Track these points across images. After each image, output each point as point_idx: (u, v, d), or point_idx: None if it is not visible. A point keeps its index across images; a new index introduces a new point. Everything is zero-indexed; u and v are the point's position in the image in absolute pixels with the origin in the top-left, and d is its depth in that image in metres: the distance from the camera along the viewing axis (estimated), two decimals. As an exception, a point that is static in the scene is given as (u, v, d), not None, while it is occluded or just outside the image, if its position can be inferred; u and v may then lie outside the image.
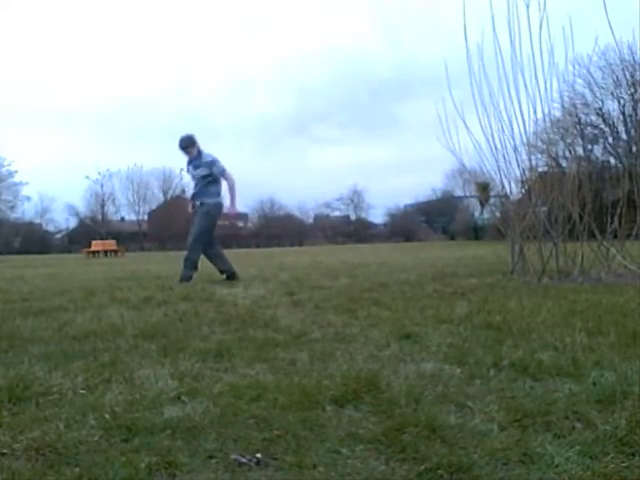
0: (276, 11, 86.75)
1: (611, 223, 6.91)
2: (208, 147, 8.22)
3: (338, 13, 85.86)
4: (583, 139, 10.87)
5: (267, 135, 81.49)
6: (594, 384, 2.24)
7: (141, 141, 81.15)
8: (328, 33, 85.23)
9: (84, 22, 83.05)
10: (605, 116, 25.38)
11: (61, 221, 63.89)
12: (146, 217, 64.07)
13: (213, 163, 7.98)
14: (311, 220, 68.26)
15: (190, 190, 8.73)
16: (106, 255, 33.05)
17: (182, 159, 8.32)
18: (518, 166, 7.65)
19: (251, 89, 75.68)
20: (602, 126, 25.30)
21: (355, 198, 67.33)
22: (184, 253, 7.92)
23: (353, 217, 68.19)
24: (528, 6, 7.04)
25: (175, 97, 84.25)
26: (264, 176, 62.91)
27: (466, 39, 7.42)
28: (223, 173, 8.03)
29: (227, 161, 8.12)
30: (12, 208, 60.49)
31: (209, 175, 7.95)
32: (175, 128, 76.19)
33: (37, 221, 62.23)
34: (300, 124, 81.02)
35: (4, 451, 1.74)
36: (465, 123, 7.63)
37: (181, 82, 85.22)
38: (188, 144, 8.02)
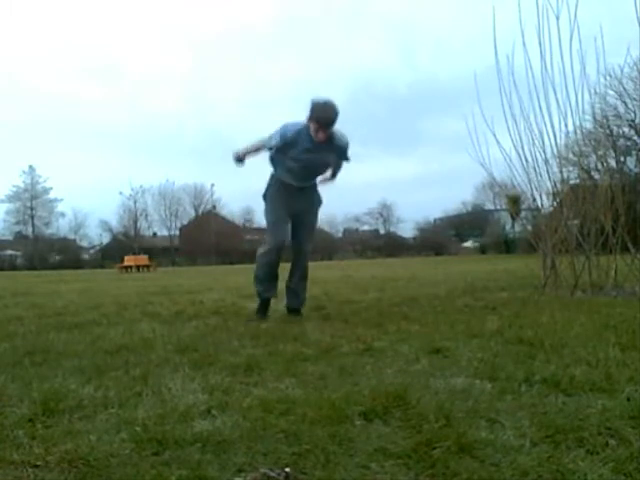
0: (288, 32, 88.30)
1: (645, 236, 6.80)
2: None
3: (353, 33, 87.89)
4: (615, 151, 10.70)
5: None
6: (628, 399, 2.20)
7: (172, 158, 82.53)
8: (344, 53, 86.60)
9: (112, 50, 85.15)
10: (638, 127, 24.99)
11: (95, 237, 65.07)
12: (177, 232, 64.79)
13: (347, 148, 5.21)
14: (340, 234, 68.26)
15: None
16: (139, 270, 33.44)
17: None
18: (549, 179, 7.57)
19: (269, 107, 77.19)
20: (635, 138, 24.91)
21: (384, 212, 67.32)
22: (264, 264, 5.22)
23: (382, 231, 68.06)
24: (558, 18, 7.00)
25: (199, 116, 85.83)
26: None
27: (496, 53, 7.41)
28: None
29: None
30: (47, 224, 61.96)
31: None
32: (200, 145, 77.86)
33: (71, 237, 63.37)
34: None
35: (38, 463, 1.77)
36: (495, 136, 7.59)
37: (204, 100, 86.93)
38: (332, 124, 4.86)
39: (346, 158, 5.27)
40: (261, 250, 5.23)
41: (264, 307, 5.32)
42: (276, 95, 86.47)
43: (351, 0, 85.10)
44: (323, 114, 4.82)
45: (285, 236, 5.22)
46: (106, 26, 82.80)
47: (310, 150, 4.94)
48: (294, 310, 5.40)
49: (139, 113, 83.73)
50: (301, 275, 5.45)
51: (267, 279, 5.26)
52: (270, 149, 5.10)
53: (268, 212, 5.28)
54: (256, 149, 5.25)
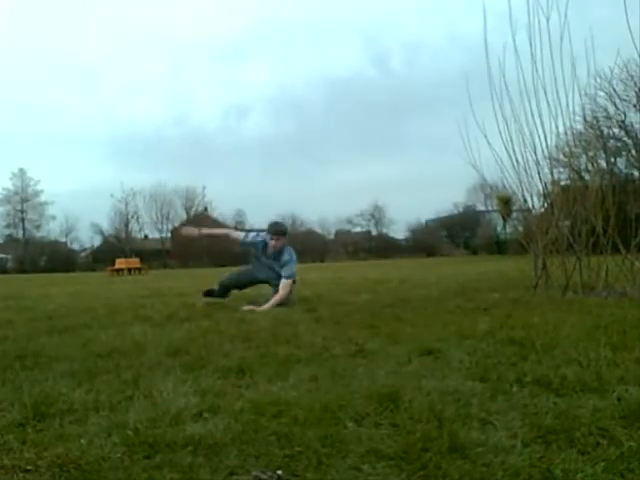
0: (264, 39, 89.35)
1: (635, 236, 6.82)
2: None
3: (327, 41, 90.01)
4: (606, 152, 10.76)
5: (268, 158, 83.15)
6: (619, 400, 2.21)
7: (160, 162, 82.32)
8: (319, 60, 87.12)
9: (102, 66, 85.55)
10: (628, 128, 25.16)
11: (86, 240, 64.64)
12: (169, 235, 64.55)
13: (289, 263, 6.91)
14: (332, 236, 68.18)
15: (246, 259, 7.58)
16: (130, 273, 33.29)
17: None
18: (540, 180, 7.60)
19: (249, 110, 79.25)
20: (625, 138, 25.08)
21: (376, 213, 67.21)
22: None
23: (374, 233, 68.01)
24: (548, 20, 7.04)
25: (180, 120, 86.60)
26: (274, 194, 63.45)
27: (487, 55, 7.44)
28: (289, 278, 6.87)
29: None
30: (38, 227, 61.59)
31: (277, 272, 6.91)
32: (185, 149, 78.90)
33: (62, 240, 63.03)
34: (302, 146, 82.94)
35: (28, 467, 1.76)
36: (486, 138, 7.61)
37: (184, 108, 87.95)
38: (285, 232, 7.13)
39: (284, 271, 6.78)
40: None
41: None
42: (255, 99, 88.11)
43: (324, 10, 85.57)
44: (276, 227, 7.00)
45: (234, 283, 7.45)
46: (83, 35, 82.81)
47: (261, 257, 7.00)
48: None
49: (122, 119, 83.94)
50: None
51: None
52: (243, 243, 7.23)
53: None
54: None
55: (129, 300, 8.43)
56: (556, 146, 7.80)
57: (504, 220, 42.33)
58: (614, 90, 23.34)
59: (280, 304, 6.38)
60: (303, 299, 7.32)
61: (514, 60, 7.26)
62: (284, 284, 6.73)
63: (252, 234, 7.22)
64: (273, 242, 6.79)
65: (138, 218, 63.57)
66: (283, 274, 6.78)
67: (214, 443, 1.91)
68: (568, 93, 7.05)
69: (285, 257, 6.87)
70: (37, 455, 1.84)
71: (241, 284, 7.45)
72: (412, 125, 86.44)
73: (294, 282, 6.99)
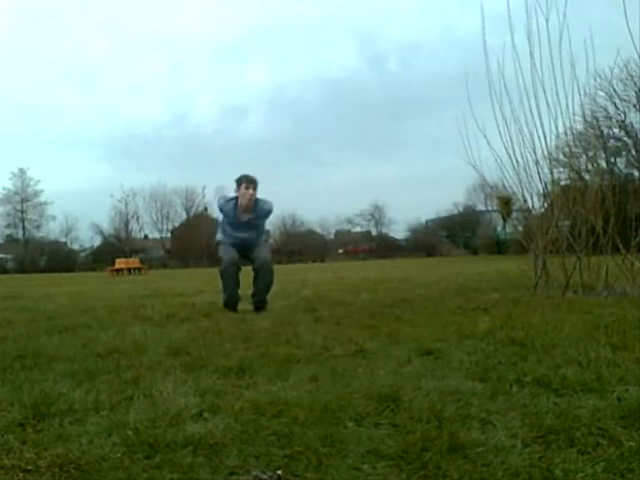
0: (261, 40, 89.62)
1: (635, 236, 6.82)
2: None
3: (323, 42, 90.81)
4: (606, 152, 10.76)
5: (266, 158, 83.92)
6: (619, 400, 2.21)
7: (159, 161, 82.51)
8: (315, 61, 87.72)
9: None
10: (628, 128, 25.17)
11: (86, 240, 64.63)
12: (169, 235, 64.57)
13: (270, 213, 6.68)
14: (332, 236, 68.23)
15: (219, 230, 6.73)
16: (130, 273, 33.28)
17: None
18: (540, 180, 7.60)
19: (249, 114, 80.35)
20: (625, 138, 25.10)
21: (376, 213, 67.20)
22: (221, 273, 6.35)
23: (374, 233, 68.00)
24: (547, 20, 7.03)
25: (180, 122, 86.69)
26: (274, 195, 63.69)
27: (486, 55, 7.44)
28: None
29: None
30: (38, 227, 61.55)
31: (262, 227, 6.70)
32: (184, 149, 79.24)
33: (62, 240, 63.01)
34: (299, 147, 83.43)
35: (28, 467, 1.76)
36: (486, 138, 7.61)
37: (184, 108, 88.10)
38: (256, 184, 6.41)
39: (266, 216, 6.58)
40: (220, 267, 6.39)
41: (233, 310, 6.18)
42: (255, 99, 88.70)
43: (322, 10, 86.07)
44: (247, 176, 6.31)
45: (234, 254, 6.32)
46: (82, 35, 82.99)
47: (237, 221, 6.35)
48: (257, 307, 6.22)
49: (121, 119, 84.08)
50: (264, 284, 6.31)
51: (227, 290, 6.30)
52: (220, 207, 6.47)
53: (220, 248, 6.52)
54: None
55: (129, 300, 8.43)
56: (556, 146, 7.80)
57: (504, 220, 42.36)
58: (614, 90, 23.37)
59: (268, 289, 6.29)
60: (303, 299, 7.32)
61: (513, 60, 7.27)
62: None
63: (222, 199, 6.51)
64: (250, 191, 6.22)
65: (138, 218, 63.68)
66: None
67: (214, 443, 1.91)
68: (568, 93, 7.06)
69: (264, 206, 6.40)
70: (37, 455, 1.84)
71: (237, 260, 6.35)
72: (412, 125, 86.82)
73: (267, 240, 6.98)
